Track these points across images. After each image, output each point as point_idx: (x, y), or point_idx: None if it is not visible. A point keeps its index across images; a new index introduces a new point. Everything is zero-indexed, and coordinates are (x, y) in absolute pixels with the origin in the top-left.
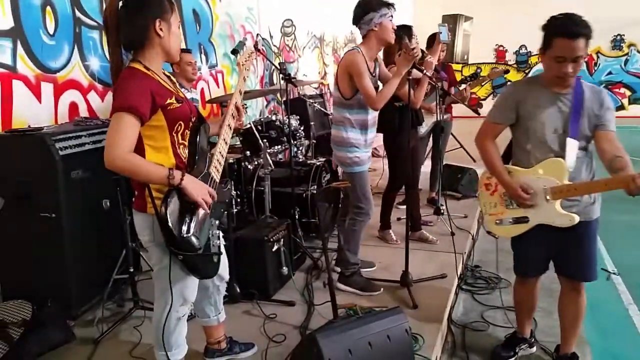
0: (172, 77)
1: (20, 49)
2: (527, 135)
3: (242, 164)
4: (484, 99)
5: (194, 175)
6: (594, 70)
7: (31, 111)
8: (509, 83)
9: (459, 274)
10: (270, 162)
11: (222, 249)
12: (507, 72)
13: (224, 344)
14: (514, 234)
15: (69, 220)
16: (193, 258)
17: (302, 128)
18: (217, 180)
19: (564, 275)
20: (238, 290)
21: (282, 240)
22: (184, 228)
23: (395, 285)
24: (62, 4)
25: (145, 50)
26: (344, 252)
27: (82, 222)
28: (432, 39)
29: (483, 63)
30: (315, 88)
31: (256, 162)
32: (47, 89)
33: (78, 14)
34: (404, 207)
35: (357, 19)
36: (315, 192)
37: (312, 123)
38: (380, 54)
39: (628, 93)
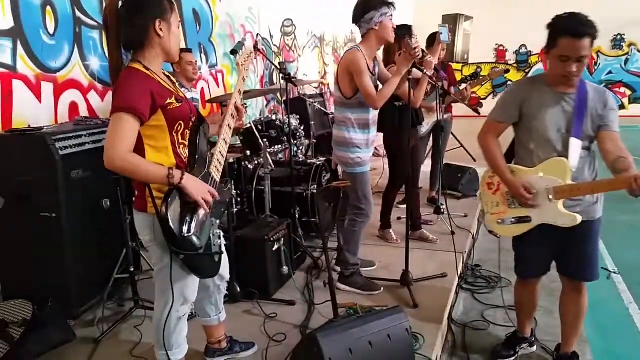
0: (171, 77)
1: (20, 49)
2: (530, 134)
3: (242, 163)
4: (484, 99)
5: (194, 175)
6: (594, 70)
7: (31, 111)
8: (509, 83)
9: (459, 273)
10: (271, 161)
11: (223, 249)
12: (507, 71)
13: (225, 343)
14: (515, 233)
15: (69, 219)
16: (194, 257)
17: (302, 127)
18: (218, 180)
19: (566, 275)
20: (238, 289)
21: (282, 239)
22: (185, 228)
23: (395, 284)
24: (62, 3)
25: (145, 50)
26: (344, 253)
27: (82, 222)
28: (432, 39)
29: (483, 63)
30: (315, 88)
31: (256, 162)
32: (47, 88)
33: (78, 13)
34: (404, 206)
35: (358, 18)
36: (315, 191)
37: (312, 122)
38: (380, 53)
39: (628, 92)
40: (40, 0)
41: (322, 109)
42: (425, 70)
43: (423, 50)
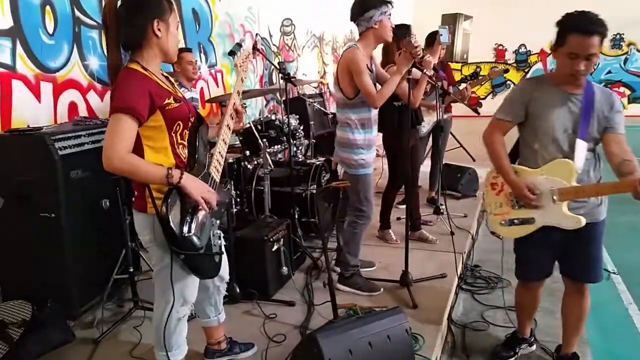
0: (170, 78)
1: (19, 49)
2: (535, 134)
3: (242, 163)
4: (484, 98)
5: (194, 175)
6: (593, 69)
7: (30, 111)
8: (508, 82)
9: (458, 273)
10: (270, 161)
11: (223, 249)
12: (506, 71)
13: (224, 344)
14: (518, 235)
15: (68, 220)
16: (195, 257)
17: (301, 127)
18: (217, 180)
19: (569, 277)
20: (238, 290)
21: (281, 240)
22: (185, 228)
23: (395, 285)
24: (62, 3)
25: (143, 50)
26: (344, 254)
27: (81, 222)
28: (431, 38)
29: (483, 62)
30: (314, 87)
31: (256, 162)
32: (46, 88)
33: (77, 13)
34: (404, 206)
35: (357, 16)
36: (314, 191)
37: (311, 122)
38: (378, 53)
39: (627, 92)
40: (40, 0)
41: (322, 108)
42: (424, 70)
43: (422, 50)
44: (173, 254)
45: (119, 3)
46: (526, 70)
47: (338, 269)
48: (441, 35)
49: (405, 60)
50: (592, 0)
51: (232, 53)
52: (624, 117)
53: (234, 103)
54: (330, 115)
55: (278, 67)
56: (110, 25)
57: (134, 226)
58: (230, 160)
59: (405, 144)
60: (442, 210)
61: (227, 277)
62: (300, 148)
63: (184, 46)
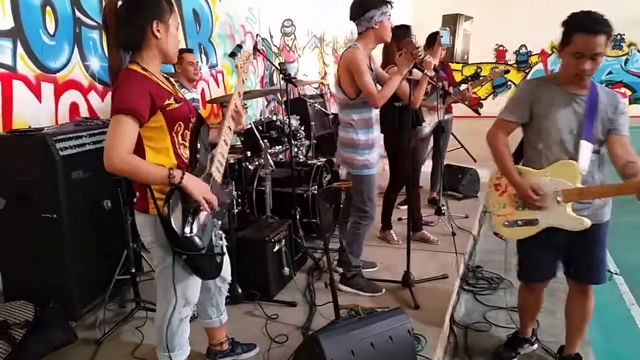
0: (170, 79)
1: (20, 49)
2: (540, 135)
3: (243, 164)
4: (484, 99)
5: (195, 175)
6: None
7: (31, 111)
8: (509, 83)
9: (460, 274)
10: (271, 162)
11: (225, 250)
12: (507, 72)
13: (226, 345)
14: (521, 236)
15: (69, 220)
16: (197, 258)
17: (302, 128)
18: (219, 181)
19: (573, 278)
20: (240, 290)
21: (283, 240)
22: (187, 228)
23: (397, 285)
24: (62, 4)
25: (143, 51)
26: (346, 254)
27: (83, 223)
28: (432, 39)
29: (483, 63)
30: (315, 88)
31: (257, 163)
32: (47, 89)
33: (78, 14)
34: (405, 207)
35: (357, 15)
36: (316, 192)
37: (312, 123)
38: (378, 54)
39: (628, 93)
40: (40, 1)
41: (323, 109)
42: (425, 71)
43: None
44: (175, 255)
45: (119, 3)
46: (527, 70)
47: (340, 270)
48: (442, 36)
49: (405, 61)
50: (593, 0)
51: (232, 54)
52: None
53: (235, 104)
54: (331, 116)
55: (279, 67)
56: (110, 25)
57: (135, 226)
58: (232, 161)
59: (405, 145)
60: (443, 211)
61: (229, 278)
62: (301, 149)
63: (184, 47)
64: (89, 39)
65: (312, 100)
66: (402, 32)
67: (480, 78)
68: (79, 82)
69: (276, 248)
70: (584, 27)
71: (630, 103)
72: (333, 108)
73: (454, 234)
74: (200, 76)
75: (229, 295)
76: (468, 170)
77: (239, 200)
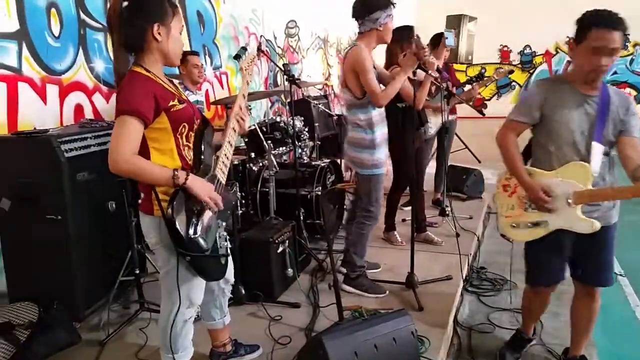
0: (173, 81)
1: (25, 51)
2: (550, 136)
3: (247, 165)
4: (489, 100)
5: (200, 177)
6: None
7: (36, 113)
8: (513, 83)
9: (464, 275)
10: (275, 163)
11: (228, 251)
12: (511, 72)
13: (229, 346)
14: (529, 238)
15: (74, 222)
16: (201, 259)
17: (306, 129)
18: (223, 182)
19: (580, 280)
20: (243, 292)
21: (287, 241)
22: (192, 230)
23: (400, 287)
24: (67, 6)
25: (145, 54)
26: (351, 254)
27: (87, 224)
28: (436, 40)
29: (487, 63)
30: (319, 89)
31: (261, 164)
32: (52, 91)
33: (83, 15)
34: (409, 208)
35: (361, 15)
36: (320, 193)
37: (316, 124)
38: (378, 54)
39: (633, 93)
40: (45, 3)
41: (327, 110)
42: (430, 71)
43: None
44: (179, 256)
45: (124, 4)
46: (531, 71)
47: (344, 270)
48: (447, 38)
49: (410, 62)
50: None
51: (237, 57)
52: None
53: (239, 106)
54: (335, 117)
55: (283, 69)
56: (115, 27)
57: (139, 228)
58: (236, 162)
59: (409, 145)
60: (447, 212)
61: (232, 280)
62: (305, 150)
63: (189, 49)
64: (94, 41)
65: (316, 102)
66: (406, 33)
67: (485, 79)
68: (84, 84)
69: (280, 249)
70: (601, 22)
71: (635, 103)
72: (337, 109)
73: (458, 235)
74: (205, 78)
75: (233, 297)
76: (472, 171)
77: (243, 201)
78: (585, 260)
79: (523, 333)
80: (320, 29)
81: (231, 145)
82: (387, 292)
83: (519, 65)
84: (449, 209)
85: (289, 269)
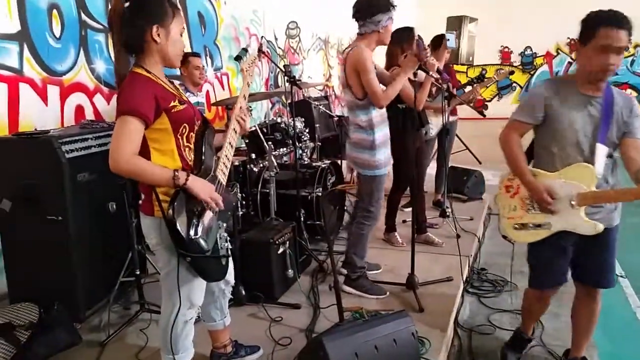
0: (174, 82)
1: (26, 52)
2: (553, 137)
3: (248, 166)
4: (489, 101)
5: (201, 178)
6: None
7: (37, 114)
8: (514, 84)
9: (464, 276)
10: (276, 164)
11: (229, 252)
12: (512, 73)
13: (230, 347)
14: (531, 239)
15: (75, 223)
16: (201, 260)
17: (307, 130)
18: (224, 183)
19: (582, 282)
20: (243, 292)
21: (287, 242)
22: (192, 230)
23: (401, 288)
24: (68, 7)
25: (145, 56)
26: (351, 255)
27: (88, 225)
28: (436, 41)
29: (488, 64)
30: (320, 90)
31: (261, 165)
32: (53, 91)
33: (84, 17)
34: (410, 209)
35: (363, 16)
36: (320, 194)
37: (317, 125)
38: (378, 55)
39: (634, 94)
40: (47, 4)
41: (327, 111)
42: (430, 73)
43: None
44: (180, 257)
45: (126, 4)
46: (532, 72)
47: (344, 271)
48: (448, 40)
49: (410, 63)
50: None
51: (238, 58)
52: None
53: (240, 107)
54: (336, 118)
55: (283, 69)
56: (115, 27)
57: (140, 229)
58: (236, 163)
59: (409, 146)
60: (448, 213)
61: (232, 281)
62: (305, 151)
63: (190, 50)
64: (95, 42)
65: (316, 103)
66: (406, 34)
67: (486, 80)
68: (85, 85)
69: (280, 250)
70: (608, 20)
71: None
72: (338, 110)
73: (458, 236)
74: (206, 79)
75: (233, 298)
76: (473, 172)
77: (244, 202)
78: (587, 262)
79: (523, 333)
80: (321, 30)
81: (232, 146)
82: (388, 293)
83: (520, 67)
84: (449, 210)
85: (290, 270)
